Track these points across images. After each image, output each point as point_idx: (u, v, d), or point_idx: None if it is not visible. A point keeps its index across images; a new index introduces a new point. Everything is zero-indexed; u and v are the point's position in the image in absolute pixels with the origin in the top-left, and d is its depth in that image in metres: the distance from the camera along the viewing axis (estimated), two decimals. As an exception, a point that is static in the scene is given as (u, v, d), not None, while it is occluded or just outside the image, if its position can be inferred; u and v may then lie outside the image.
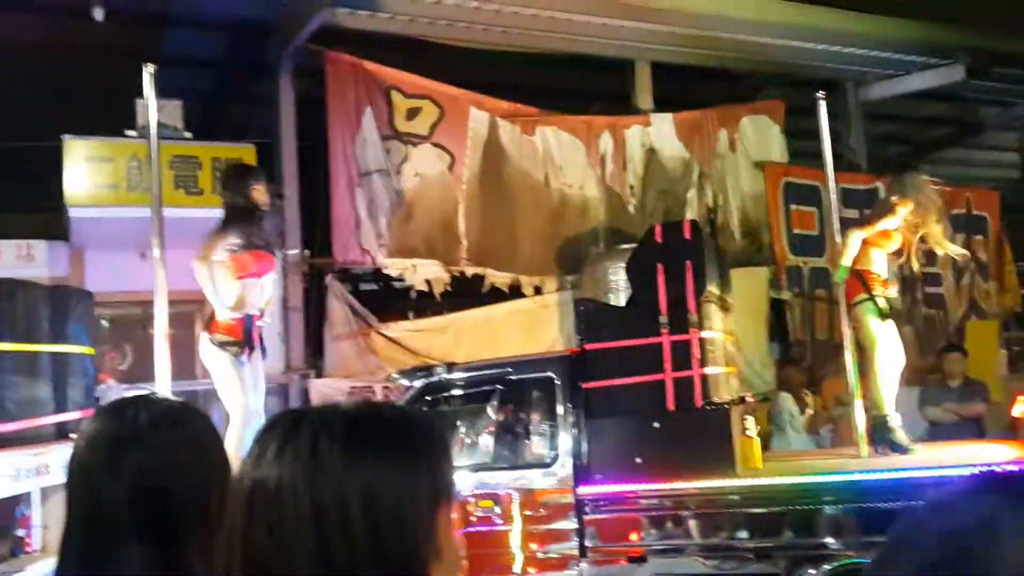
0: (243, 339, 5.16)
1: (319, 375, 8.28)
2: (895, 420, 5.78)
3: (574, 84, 10.78)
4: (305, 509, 0.97)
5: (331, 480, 0.98)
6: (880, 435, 5.73)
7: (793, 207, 10.58)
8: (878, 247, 6.06)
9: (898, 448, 5.65)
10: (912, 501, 4.80)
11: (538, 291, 9.23)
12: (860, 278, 5.97)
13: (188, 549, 1.36)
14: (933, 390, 7.70)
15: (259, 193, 5.30)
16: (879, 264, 6.10)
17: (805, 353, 9.62)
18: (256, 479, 1.01)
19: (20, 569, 4.30)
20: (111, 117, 8.15)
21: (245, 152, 8.43)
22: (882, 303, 5.92)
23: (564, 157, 9.69)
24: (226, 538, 1.03)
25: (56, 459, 4.65)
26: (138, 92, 7.28)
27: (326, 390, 8.06)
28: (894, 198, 6.08)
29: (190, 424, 1.48)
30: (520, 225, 9.32)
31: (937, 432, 7.14)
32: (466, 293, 9.22)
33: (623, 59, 10.32)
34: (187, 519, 1.37)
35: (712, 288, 5.74)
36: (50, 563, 4.35)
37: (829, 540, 4.88)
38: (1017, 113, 13.75)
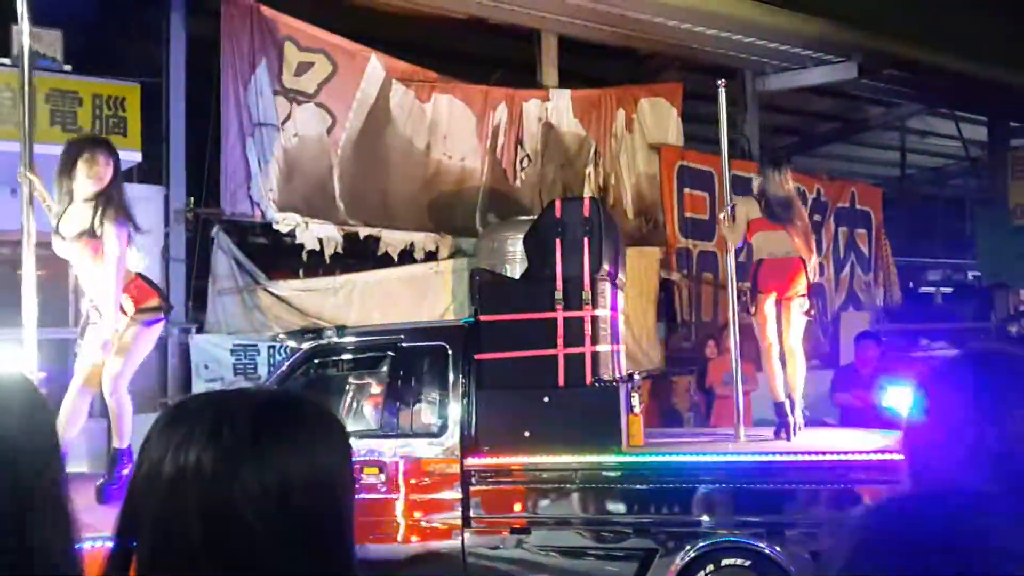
0: None
1: (200, 330, 7.96)
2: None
3: (477, 49, 10.65)
4: (249, 494, 0.93)
5: (271, 465, 0.95)
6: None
7: (686, 191, 10.84)
8: None
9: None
10: (781, 484, 5.02)
11: (431, 256, 9.15)
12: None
13: None
14: (844, 375, 7.96)
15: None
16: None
17: (690, 333, 9.90)
18: (182, 465, 0.95)
19: None
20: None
21: (129, 91, 7.95)
22: None
23: (451, 126, 9.61)
24: (136, 526, 0.98)
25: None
26: (12, 17, 6.76)
27: (207, 346, 7.76)
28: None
29: (12, 416, 1.20)
30: (392, 191, 9.25)
31: (848, 417, 7.39)
32: (357, 254, 9.05)
33: (530, 28, 10.26)
34: None
35: (607, 266, 5.79)
36: None
37: (703, 518, 5.04)
38: (900, 113, 14.47)
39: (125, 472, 4.72)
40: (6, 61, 7.48)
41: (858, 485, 5.01)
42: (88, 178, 4.50)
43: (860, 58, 11.24)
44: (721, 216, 6.27)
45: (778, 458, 5.20)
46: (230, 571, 0.92)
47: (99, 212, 4.49)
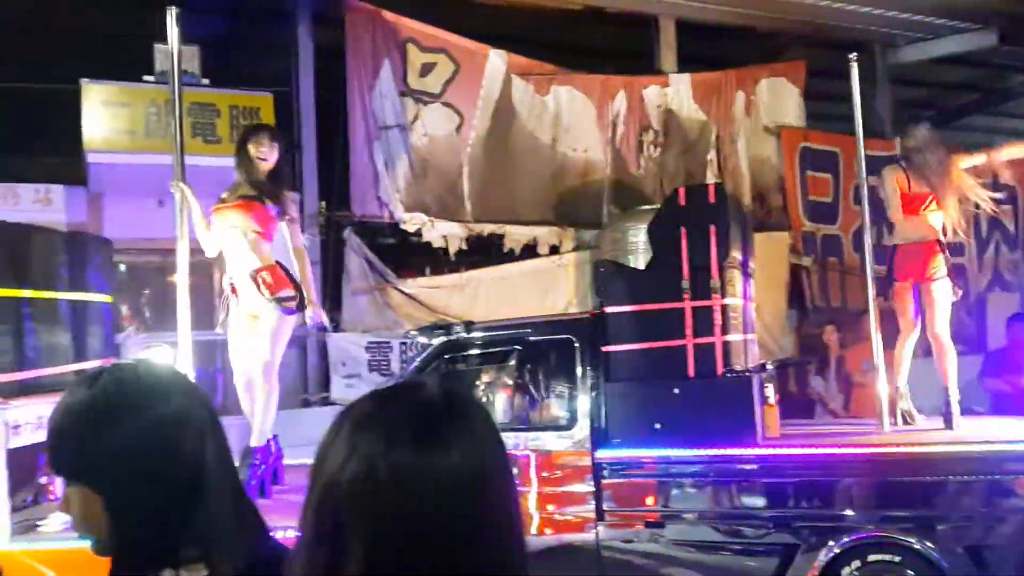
0: None
1: (337, 329, 8.27)
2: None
3: (593, 40, 10.59)
4: (442, 488, 0.97)
5: (467, 459, 0.99)
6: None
7: (809, 173, 10.50)
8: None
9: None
10: (931, 476, 4.79)
11: (554, 250, 9.18)
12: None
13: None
14: (994, 360, 7.55)
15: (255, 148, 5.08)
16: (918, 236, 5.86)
17: (823, 320, 9.57)
18: (390, 465, 0.97)
19: (43, 516, 4.32)
20: (127, 61, 8.04)
21: (263, 101, 8.34)
22: None
23: (573, 119, 9.58)
24: (331, 533, 0.98)
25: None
26: (154, 36, 7.17)
27: (344, 344, 8.06)
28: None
29: (170, 401, 1.37)
30: (518, 187, 9.28)
31: (1000, 404, 6.99)
32: (481, 250, 9.19)
33: (647, 15, 10.13)
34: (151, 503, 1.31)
35: (735, 253, 5.66)
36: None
37: (848, 512, 4.86)
38: (1046, 81, 13.49)
39: (261, 471, 4.86)
40: (150, 78, 7.98)
41: (1015, 476, 4.72)
42: (258, 158, 4.87)
43: (1001, 23, 10.54)
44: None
45: (928, 449, 4.96)
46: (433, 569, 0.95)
47: (273, 184, 4.96)
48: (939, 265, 5.73)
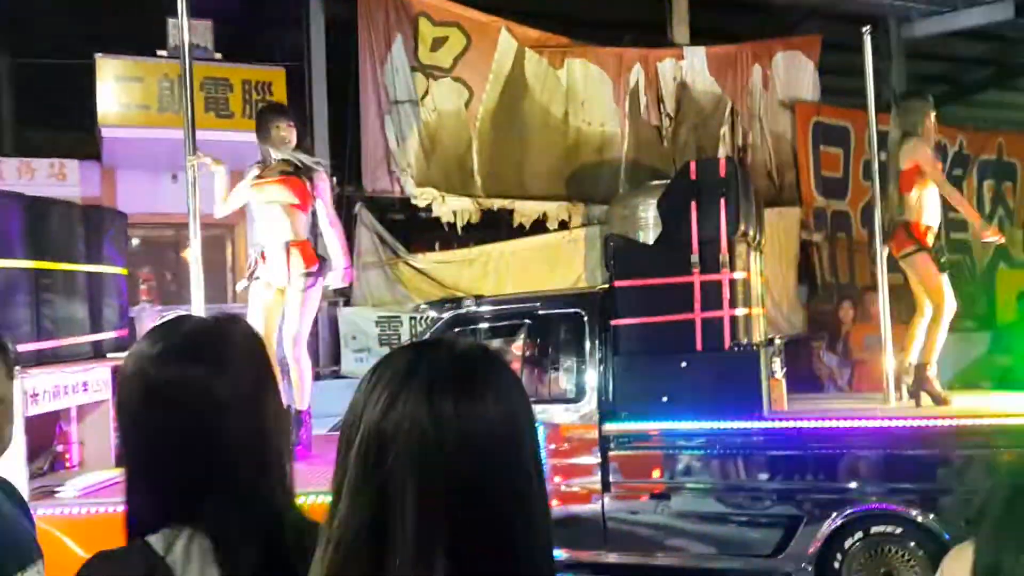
0: None
1: (347, 303, 8.34)
2: (933, 370, 5.61)
3: (606, 13, 10.53)
4: (485, 438, 0.99)
5: (503, 409, 1.01)
6: (918, 384, 5.65)
7: (821, 148, 10.46)
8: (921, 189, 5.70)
9: (936, 399, 5.53)
10: (936, 450, 4.83)
11: (563, 225, 9.20)
12: (908, 230, 5.65)
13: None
14: (1005, 336, 7.56)
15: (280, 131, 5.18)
16: (930, 212, 5.69)
17: (832, 296, 9.58)
18: (435, 415, 0.98)
19: (60, 483, 4.42)
20: (142, 35, 8.07)
21: (275, 76, 8.36)
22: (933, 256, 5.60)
23: (589, 93, 9.54)
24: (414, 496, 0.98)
25: (93, 377, 4.73)
26: (167, 11, 7.20)
27: (354, 319, 8.13)
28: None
29: (239, 341, 1.37)
30: (528, 161, 9.27)
31: (1009, 379, 6.95)
32: (491, 225, 9.22)
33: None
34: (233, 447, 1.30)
35: (745, 228, 5.67)
36: (87, 478, 4.47)
37: (851, 485, 4.91)
38: (1063, 56, 13.32)
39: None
40: (163, 53, 8.01)
41: (1018, 449, 4.75)
42: (282, 143, 5.03)
43: (1017, -5, 10.44)
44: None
45: (931, 423, 4.99)
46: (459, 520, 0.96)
47: (300, 162, 5.07)
48: (896, 244, 5.73)
